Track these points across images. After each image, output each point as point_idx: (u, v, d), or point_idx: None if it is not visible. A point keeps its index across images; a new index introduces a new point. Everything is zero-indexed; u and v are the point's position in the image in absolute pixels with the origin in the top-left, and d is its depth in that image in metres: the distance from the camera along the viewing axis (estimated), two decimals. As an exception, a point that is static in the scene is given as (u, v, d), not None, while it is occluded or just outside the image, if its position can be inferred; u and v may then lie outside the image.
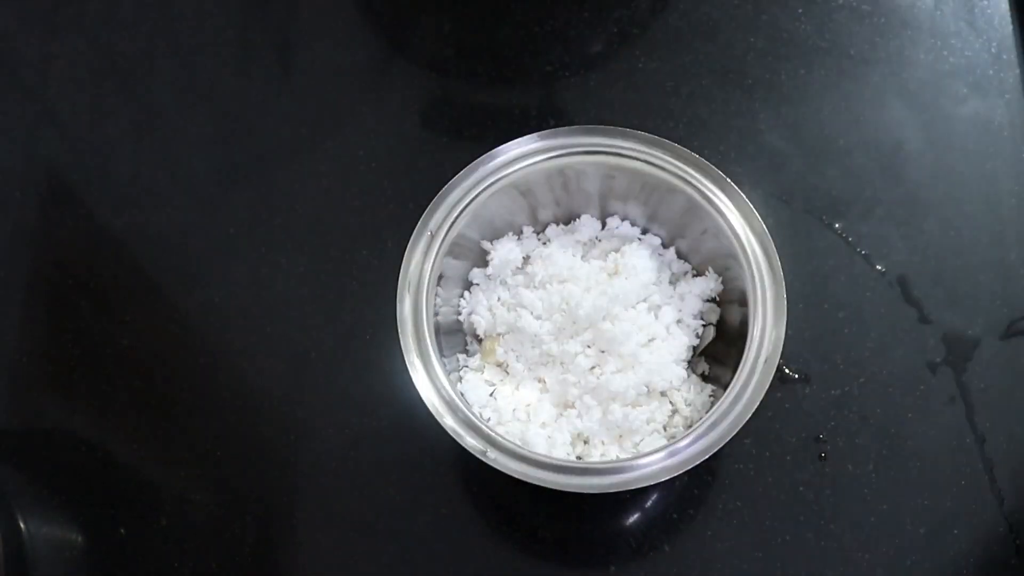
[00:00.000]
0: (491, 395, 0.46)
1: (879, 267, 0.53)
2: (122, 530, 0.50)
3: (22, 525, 0.50)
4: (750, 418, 0.42)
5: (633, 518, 0.50)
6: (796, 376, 0.51)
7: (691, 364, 0.48)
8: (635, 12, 0.60)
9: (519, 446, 0.42)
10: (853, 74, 0.58)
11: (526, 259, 0.49)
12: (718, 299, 0.49)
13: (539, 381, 0.47)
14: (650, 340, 0.46)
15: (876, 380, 0.51)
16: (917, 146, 0.56)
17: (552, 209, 0.50)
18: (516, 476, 0.41)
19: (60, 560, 0.50)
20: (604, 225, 0.51)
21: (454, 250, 0.47)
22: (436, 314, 0.46)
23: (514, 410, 0.46)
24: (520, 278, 0.48)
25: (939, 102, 0.57)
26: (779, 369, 0.51)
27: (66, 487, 0.51)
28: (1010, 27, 0.58)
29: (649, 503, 0.50)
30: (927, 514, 0.48)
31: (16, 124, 0.60)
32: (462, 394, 0.46)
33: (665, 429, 0.46)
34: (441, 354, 0.45)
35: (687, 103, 0.57)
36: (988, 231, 0.54)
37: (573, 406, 0.46)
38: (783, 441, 0.50)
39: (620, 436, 0.45)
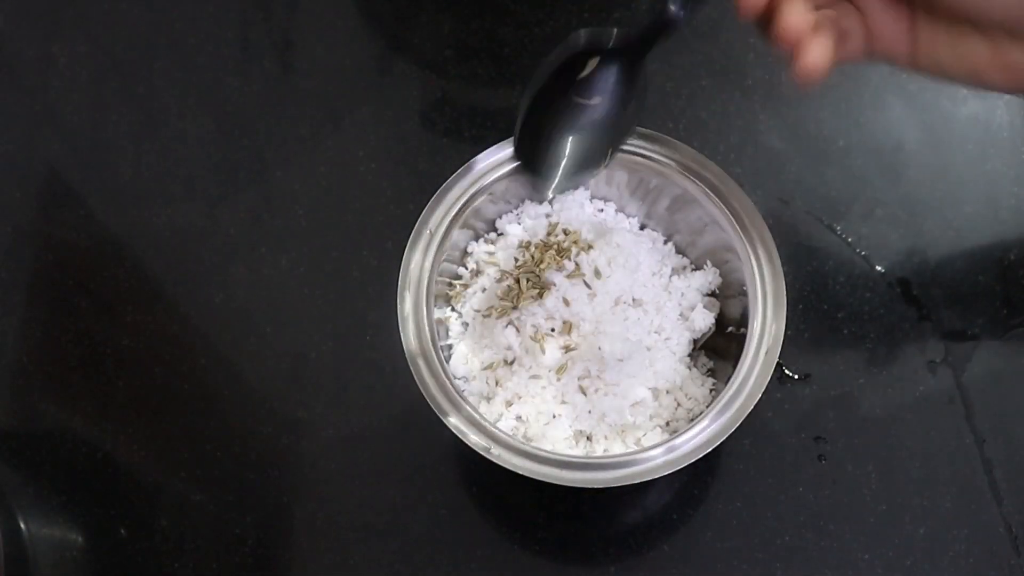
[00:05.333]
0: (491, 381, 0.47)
1: (879, 268, 0.53)
2: (122, 530, 0.50)
3: (22, 525, 0.50)
4: (750, 418, 0.42)
5: (633, 518, 0.50)
6: (796, 376, 0.51)
7: (691, 357, 0.48)
8: (635, 13, 0.60)
9: (522, 442, 0.42)
10: (853, 75, 0.58)
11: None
12: (717, 293, 0.49)
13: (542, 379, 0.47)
14: (651, 336, 0.47)
15: (876, 380, 0.51)
16: (917, 147, 0.56)
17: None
18: (520, 472, 0.41)
19: (60, 560, 0.50)
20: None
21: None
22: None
23: (511, 405, 0.46)
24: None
25: (939, 103, 0.57)
26: (779, 369, 0.51)
27: (66, 487, 0.51)
28: (1009, 28, 0.58)
29: (649, 503, 0.50)
30: (927, 514, 0.48)
31: (16, 124, 0.60)
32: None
33: (668, 424, 0.46)
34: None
35: (687, 104, 0.57)
36: (988, 231, 0.54)
37: (575, 404, 0.46)
38: (783, 441, 0.50)
39: (622, 431, 0.46)
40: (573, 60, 0.42)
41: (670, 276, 0.49)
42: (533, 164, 0.45)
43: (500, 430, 0.42)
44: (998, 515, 0.48)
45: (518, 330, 0.46)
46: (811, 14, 0.36)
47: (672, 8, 0.37)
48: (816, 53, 0.36)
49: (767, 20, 0.37)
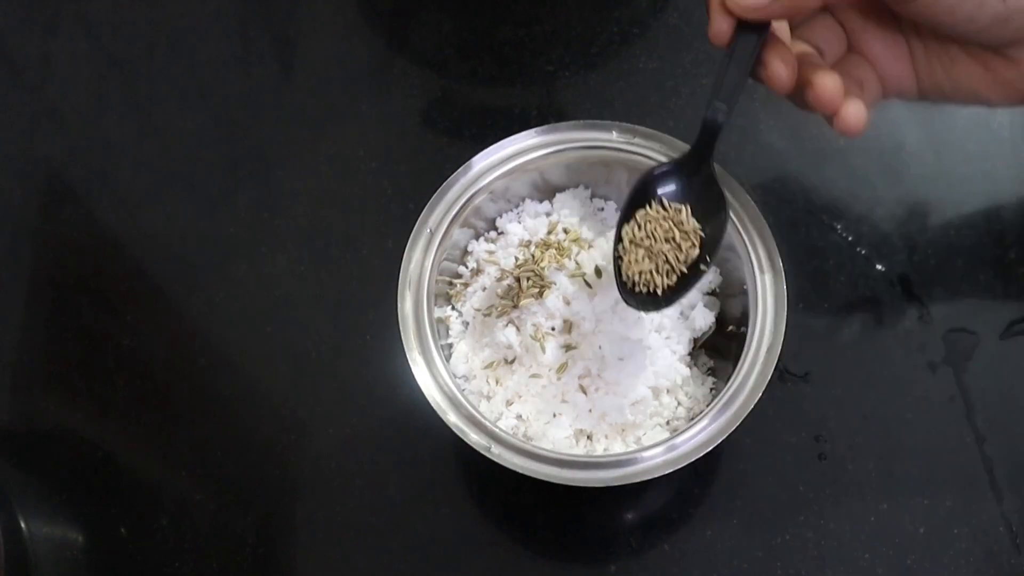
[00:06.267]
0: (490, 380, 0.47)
1: (879, 266, 0.53)
2: (123, 530, 0.50)
3: (23, 525, 0.50)
4: (751, 418, 0.42)
5: (634, 517, 0.50)
6: (796, 375, 0.51)
7: (692, 356, 0.48)
8: (635, 11, 0.60)
9: (522, 441, 0.42)
10: (853, 74, 0.58)
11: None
12: (718, 292, 0.49)
13: (540, 377, 0.47)
14: (652, 334, 0.47)
15: (876, 380, 0.51)
16: (917, 146, 0.56)
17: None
18: (520, 471, 0.41)
19: (61, 560, 0.50)
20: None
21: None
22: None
23: (511, 403, 0.46)
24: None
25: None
26: (779, 368, 0.51)
27: (67, 487, 0.51)
28: (1010, 27, 0.58)
29: (650, 502, 0.50)
30: (927, 514, 0.48)
31: (17, 123, 0.60)
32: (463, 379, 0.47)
33: (668, 423, 0.46)
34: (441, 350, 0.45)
35: (687, 103, 0.57)
36: (988, 231, 0.54)
37: (576, 403, 0.46)
38: (783, 441, 0.50)
39: (623, 430, 0.45)
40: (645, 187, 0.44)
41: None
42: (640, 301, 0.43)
43: (500, 429, 0.42)
44: (998, 514, 0.48)
45: (518, 329, 0.46)
46: (839, 80, 0.40)
47: (709, 115, 0.42)
48: (853, 110, 0.40)
49: (800, 89, 0.41)
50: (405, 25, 0.61)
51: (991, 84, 0.42)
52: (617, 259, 0.43)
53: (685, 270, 0.43)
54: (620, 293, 0.43)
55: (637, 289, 0.43)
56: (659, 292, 0.42)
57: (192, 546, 0.50)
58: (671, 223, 0.43)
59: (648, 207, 0.43)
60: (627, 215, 0.43)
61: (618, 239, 0.43)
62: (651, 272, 0.42)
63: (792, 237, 0.54)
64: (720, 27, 0.40)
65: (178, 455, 0.52)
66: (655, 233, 0.43)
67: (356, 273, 0.55)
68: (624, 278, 0.43)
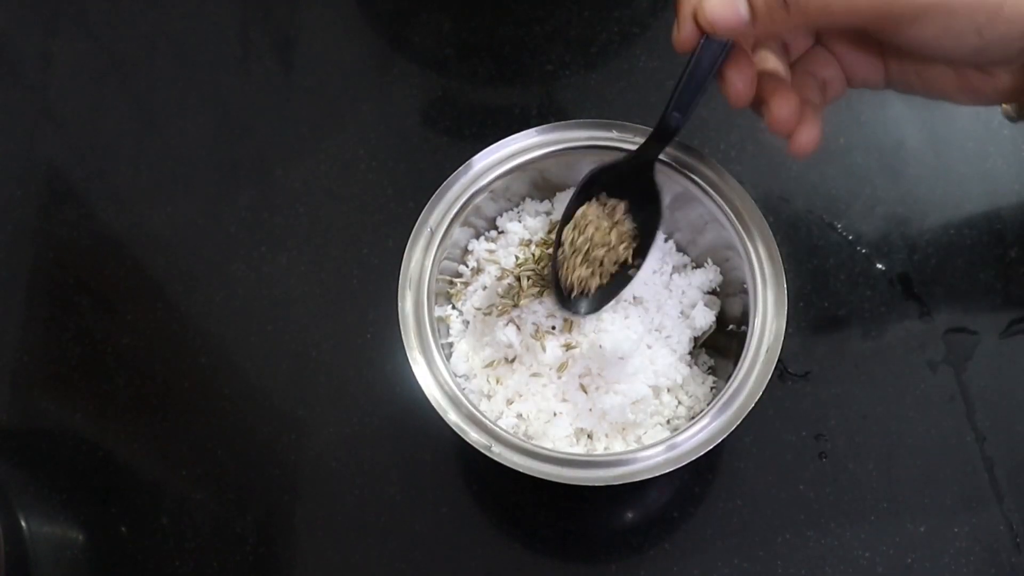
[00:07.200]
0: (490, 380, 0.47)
1: (880, 266, 0.53)
2: (123, 529, 0.50)
3: (23, 524, 0.50)
4: (751, 416, 0.42)
5: (634, 516, 0.50)
6: (797, 374, 0.51)
7: (692, 355, 0.48)
8: (635, 11, 0.60)
9: (523, 440, 0.42)
10: (853, 73, 0.58)
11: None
12: (718, 291, 0.49)
13: (540, 376, 0.47)
14: (652, 334, 0.47)
15: (876, 379, 0.51)
16: (918, 145, 0.56)
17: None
18: (520, 470, 0.41)
19: (61, 559, 0.50)
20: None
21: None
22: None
23: (511, 403, 0.46)
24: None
25: (940, 101, 0.57)
26: (780, 367, 0.51)
27: (67, 486, 0.51)
28: (1010, 26, 0.58)
29: (650, 501, 0.50)
30: (927, 512, 0.48)
31: (17, 123, 0.60)
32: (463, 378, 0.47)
33: (668, 422, 0.46)
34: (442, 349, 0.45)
35: (687, 102, 0.57)
36: (988, 230, 0.54)
37: (576, 402, 0.46)
38: (784, 439, 0.50)
39: (623, 429, 0.45)
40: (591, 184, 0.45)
41: (671, 274, 0.49)
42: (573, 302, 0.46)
43: (501, 428, 0.42)
44: (999, 513, 0.48)
45: (519, 328, 0.46)
46: (795, 104, 0.40)
47: (664, 121, 0.43)
48: (804, 137, 0.41)
49: (757, 104, 0.41)
50: (405, 25, 0.61)
51: (962, 89, 0.42)
52: (556, 262, 0.45)
53: (616, 270, 0.45)
54: (557, 298, 0.45)
55: (574, 295, 0.45)
56: (593, 293, 0.45)
57: (192, 546, 0.50)
58: (608, 222, 0.45)
59: (588, 205, 0.45)
60: (568, 214, 0.45)
61: (558, 244, 0.45)
62: (588, 277, 0.45)
63: (792, 236, 0.54)
64: (687, 34, 0.39)
65: (178, 454, 0.52)
66: (593, 237, 0.44)
67: (356, 273, 0.55)
68: (562, 284, 0.45)
